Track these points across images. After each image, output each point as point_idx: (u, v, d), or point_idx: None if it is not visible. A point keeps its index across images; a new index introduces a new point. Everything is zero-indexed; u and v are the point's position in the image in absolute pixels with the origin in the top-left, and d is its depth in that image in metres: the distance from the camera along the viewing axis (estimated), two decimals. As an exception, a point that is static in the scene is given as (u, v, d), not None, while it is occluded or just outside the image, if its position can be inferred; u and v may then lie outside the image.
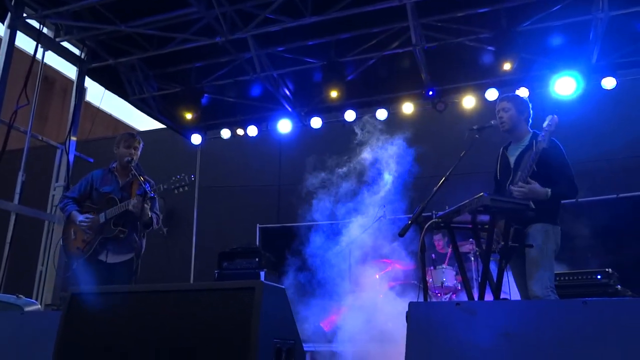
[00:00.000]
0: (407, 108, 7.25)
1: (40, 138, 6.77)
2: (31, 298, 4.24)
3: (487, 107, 6.71)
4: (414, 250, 5.98)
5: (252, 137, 7.98)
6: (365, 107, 7.48)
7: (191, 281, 8.07)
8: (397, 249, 6.08)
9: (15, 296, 3.14)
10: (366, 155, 6.74)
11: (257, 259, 6.94)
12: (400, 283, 6.00)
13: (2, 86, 5.46)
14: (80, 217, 3.96)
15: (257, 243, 8.39)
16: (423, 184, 6.42)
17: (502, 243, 3.03)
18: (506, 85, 6.82)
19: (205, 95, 7.46)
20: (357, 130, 6.90)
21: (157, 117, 7.74)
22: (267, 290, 1.86)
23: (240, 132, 7.98)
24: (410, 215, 3.42)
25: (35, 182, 6.42)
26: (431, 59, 6.68)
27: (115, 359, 1.94)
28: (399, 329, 5.03)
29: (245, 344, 1.76)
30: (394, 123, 7.08)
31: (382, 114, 7.26)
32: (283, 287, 2.04)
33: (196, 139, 8.18)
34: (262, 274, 6.80)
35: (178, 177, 3.81)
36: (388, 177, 6.48)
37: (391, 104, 7.37)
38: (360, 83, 7.16)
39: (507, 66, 5.84)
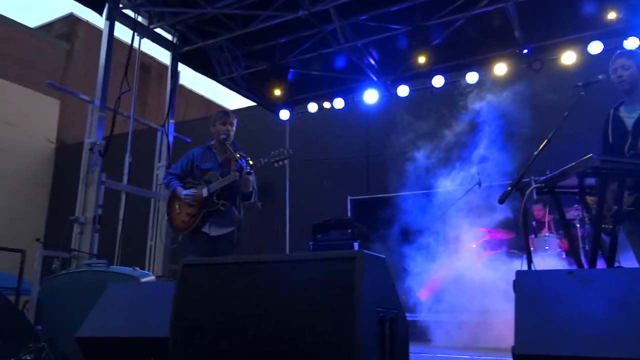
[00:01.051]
0: (500, 69, 6.86)
1: (142, 122, 7.27)
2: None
3: (590, 62, 6.21)
4: (512, 218, 5.72)
5: (339, 109, 7.97)
6: (454, 72, 7.20)
7: (287, 253, 8.31)
8: (494, 217, 5.85)
9: (132, 269, 3.41)
10: (457, 120, 6.51)
11: (349, 230, 7.05)
12: (499, 252, 5.79)
13: (106, 76, 5.86)
14: (185, 192, 4.15)
15: (349, 214, 8.44)
16: (520, 149, 6.09)
17: (616, 208, 2.80)
18: (611, 36, 6.23)
19: (291, 70, 7.57)
20: (448, 96, 6.68)
21: (246, 95, 7.94)
22: (368, 259, 1.86)
23: (327, 105, 7.98)
24: (509, 182, 3.27)
25: (140, 163, 6.85)
26: (524, 14, 6.25)
27: (225, 325, 2.04)
28: (498, 299, 4.90)
29: (349, 313, 1.78)
30: (487, 86, 6.74)
31: (472, 77, 6.94)
32: (383, 256, 2.03)
33: (284, 114, 8.31)
34: (356, 244, 6.91)
35: (277, 150, 3.90)
36: (482, 143, 6.22)
37: (482, 66, 7.01)
38: (448, 46, 6.88)
39: (612, 15, 5.36)
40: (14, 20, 15.47)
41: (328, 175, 9.49)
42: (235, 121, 4.27)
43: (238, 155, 3.96)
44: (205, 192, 4.11)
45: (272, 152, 3.93)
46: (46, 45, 16.05)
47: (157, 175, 6.80)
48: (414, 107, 7.51)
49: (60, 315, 3.33)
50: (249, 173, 3.86)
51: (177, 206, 4.23)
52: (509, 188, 3.20)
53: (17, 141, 14.71)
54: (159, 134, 6.93)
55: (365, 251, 1.88)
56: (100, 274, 3.36)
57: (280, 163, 3.92)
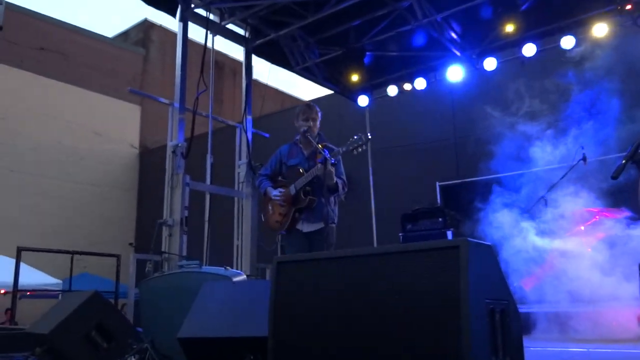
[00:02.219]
0: (600, 30, 6.36)
1: (220, 120, 7.46)
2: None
3: None
4: (625, 195, 5.21)
5: (421, 90, 7.82)
6: (546, 37, 6.81)
7: (375, 245, 8.28)
8: (605, 196, 5.49)
9: (223, 268, 3.54)
10: (553, 91, 6.15)
11: (441, 219, 6.89)
12: (611, 234, 5.37)
13: (183, 77, 5.99)
14: (274, 192, 4.30)
15: (439, 202, 8.34)
16: (629, 118, 5.65)
17: None
18: None
19: (367, 53, 7.45)
20: (540, 65, 6.32)
21: (322, 83, 7.97)
22: (473, 247, 1.80)
23: (407, 87, 7.87)
24: (616, 155, 3.05)
25: (221, 162, 7.05)
26: (627, -36, 5.79)
27: (323, 322, 2.06)
28: (613, 286, 4.65)
29: (456, 305, 1.74)
30: (585, 50, 6.31)
31: (568, 41, 6.52)
32: (490, 243, 1.97)
33: (363, 100, 8.27)
34: (449, 233, 6.74)
35: (355, 137, 3.89)
36: (584, 114, 5.84)
37: (578, 29, 6.57)
38: (538, 10, 6.48)
39: None
40: (93, 32, 16.66)
41: (414, 162, 9.37)
42: (319, 114, 4.38)
43: (321, 146, 4.01)
44: (292, 189, 4.22)
45: (350, 139, 3.93)
46: (124, 53, 17.12)
47: (239, 173, 6.88)
48: (504, 81, 7.20)
49: (159, 317, 3.51)
50: (334, 164, 3.88)
51: (269, 207, 4.38)
52: (623, 161, 2.98)
53: (104, 149, 15.89)
54: (237, 131, 7.07)
55: (470, 239, 1.82)
56: (193, 275, 3.51)
57: (360, 150, 3.91)
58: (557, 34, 6.68)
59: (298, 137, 4.42)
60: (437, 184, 8.64)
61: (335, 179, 4.04)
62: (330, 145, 4.17)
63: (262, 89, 8.18)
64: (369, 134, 3.89)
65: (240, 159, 6.95)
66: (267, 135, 7.38)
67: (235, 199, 6.95)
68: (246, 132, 6.85)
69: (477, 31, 7.04)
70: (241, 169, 6.86)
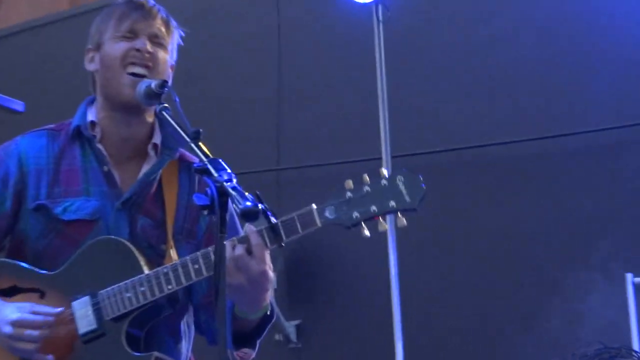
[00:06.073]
0: None
1: None
2: None
3: None
4: None
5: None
6: None
7: None
8: None
9: None
10: None
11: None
12: None
13: None
14: (10, 316, 2.82)
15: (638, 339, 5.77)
16: None
17: None
18: None
19: None
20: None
21: None
22: None
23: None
24: None
25: None
26: None
27: None
28: None
29: None
30: None
31: None
32: None
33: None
34: None
35: (383, 179, 2.57)
36: None
37: None
38: None
39: None
40: None
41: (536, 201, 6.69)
42: (174, 34, 3.05)
43: (206, 150, 2.56)
44: (85, 319, 2.86)
45: (353, 190, 2.59)
46: None
47: None
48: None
49: None
50: (279, 240, 2.52)
51: None
52: None
53: None
54: None
55: None
56: None
57: (385, 225, 2.60)
58: None
59: (91, 116, 2.99)
60: (630, 277, 5.86)
61: (269, 286, 2.82)
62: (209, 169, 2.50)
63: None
64: (421, 180, 2.53)
65: None
66: (18, 107, 6.08)
67: None
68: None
69: None
70: None
